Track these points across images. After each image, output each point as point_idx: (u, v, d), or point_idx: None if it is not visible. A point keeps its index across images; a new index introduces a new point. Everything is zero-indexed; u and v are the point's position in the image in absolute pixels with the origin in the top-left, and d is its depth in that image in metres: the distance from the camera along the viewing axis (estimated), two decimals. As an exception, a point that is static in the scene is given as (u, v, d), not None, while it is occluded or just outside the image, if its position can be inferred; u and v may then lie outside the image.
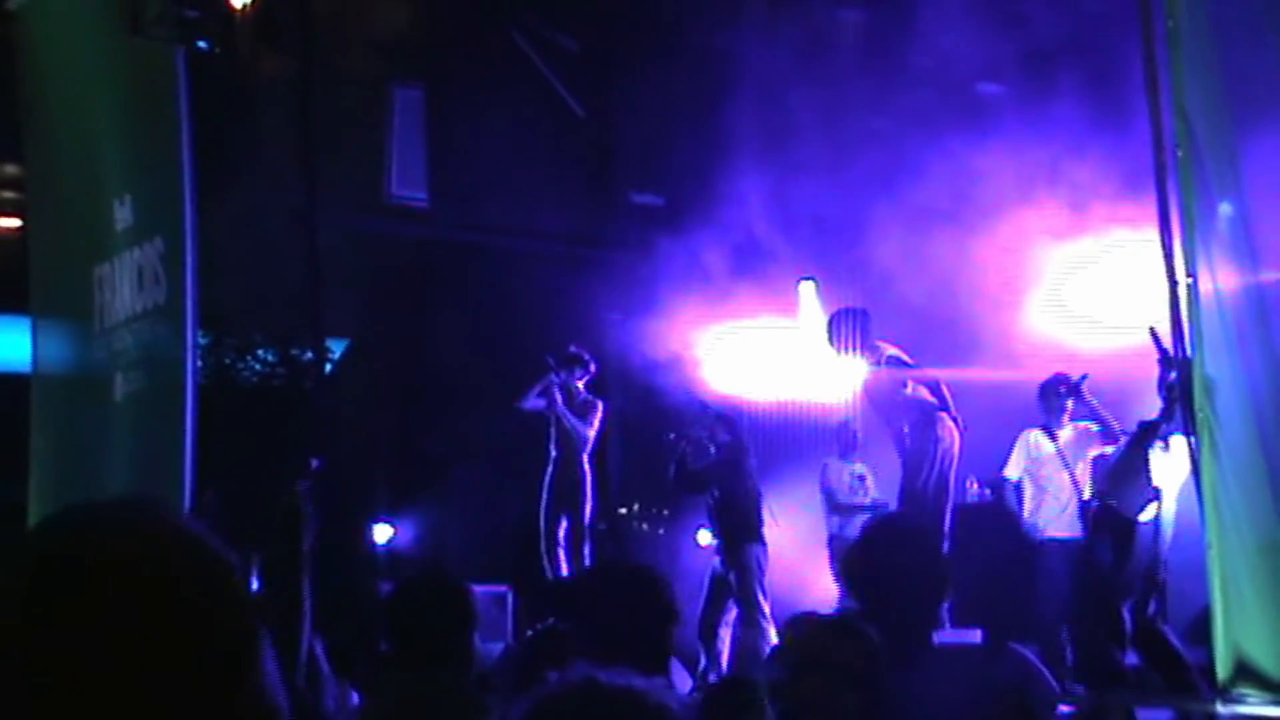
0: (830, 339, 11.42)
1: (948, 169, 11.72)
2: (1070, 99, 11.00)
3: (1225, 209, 7.43)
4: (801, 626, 4.03)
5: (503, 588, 13.32)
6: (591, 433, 12.64)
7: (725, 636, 11.68)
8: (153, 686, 1.39)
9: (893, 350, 11.05)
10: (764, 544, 11.85)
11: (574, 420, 12.57)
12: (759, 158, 14.15)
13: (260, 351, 15.72)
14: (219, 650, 1.44)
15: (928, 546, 4.05)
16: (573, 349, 12.88)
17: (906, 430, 10.90)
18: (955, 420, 10.87)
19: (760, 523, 11.91)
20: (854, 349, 11.08)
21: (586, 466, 12.63)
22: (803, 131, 13.68)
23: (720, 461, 12.05)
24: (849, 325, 11.25)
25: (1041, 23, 11.45)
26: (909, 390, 10.90)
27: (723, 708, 4.75)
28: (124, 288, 10.69)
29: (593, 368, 12.88)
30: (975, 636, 7.99)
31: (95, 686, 1.37)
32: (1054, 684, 4.18)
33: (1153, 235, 7.81)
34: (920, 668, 3.74)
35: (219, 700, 1.42)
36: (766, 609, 11.53)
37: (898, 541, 4.12)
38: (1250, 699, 7.11)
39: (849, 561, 4.28)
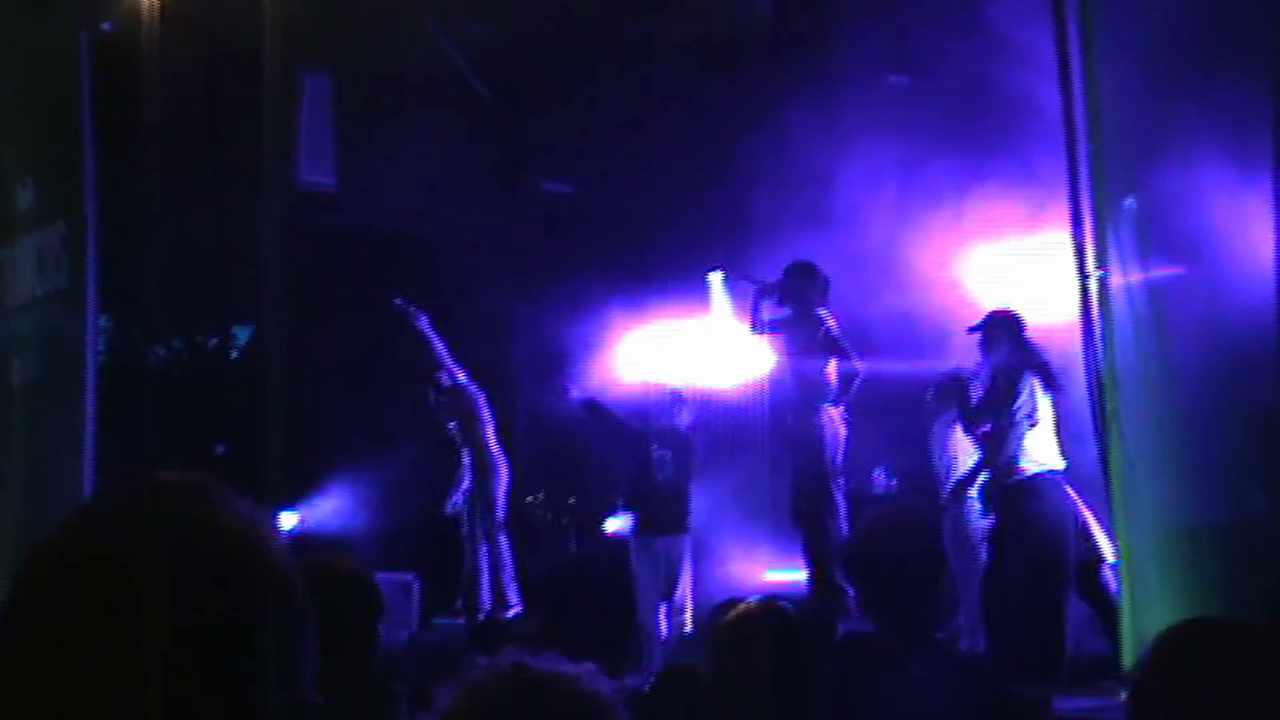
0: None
1: (867, 164, 11.76)
2: (984, 96, 11.07)
3: (1130, 203, 7.52)
4: (726, 611, 4.02)
5: (409, 575, 13.25)
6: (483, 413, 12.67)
7: (663, 625, 11.66)
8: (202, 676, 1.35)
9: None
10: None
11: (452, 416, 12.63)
12: (672, 148, 14.16)
13: (168, 337, 15.55)
14: (273, 638, 1.41)
15: (926, 540, 4.04)
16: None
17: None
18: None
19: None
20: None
21: (494, 449, 12.64)
22: (720, 125, 13.71)
23: (688, 447, 12.10)
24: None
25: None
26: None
27: (667, 696, 4.72)
28: (24, 271, 10.53)
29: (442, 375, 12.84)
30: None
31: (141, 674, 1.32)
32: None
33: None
34: (914, 662, 3.74)
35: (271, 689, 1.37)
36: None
37: (898, 534, 4.11)
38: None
39: (849, 554, 4.29)
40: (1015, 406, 9.30)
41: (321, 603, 4.06)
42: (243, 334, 16.00)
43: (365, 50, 15.25)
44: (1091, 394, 7.68)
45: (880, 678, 3.74)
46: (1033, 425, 9.29)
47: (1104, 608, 9.10)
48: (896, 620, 3.95)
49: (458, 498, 12.68)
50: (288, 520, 14.39)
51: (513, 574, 12.17)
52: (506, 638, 11.31)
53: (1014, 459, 9.31)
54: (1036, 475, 9.26)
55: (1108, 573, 9.16)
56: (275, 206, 12.98)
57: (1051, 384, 9.32)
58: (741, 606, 4.05)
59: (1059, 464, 9.32)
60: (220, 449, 14.80)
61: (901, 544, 4.05)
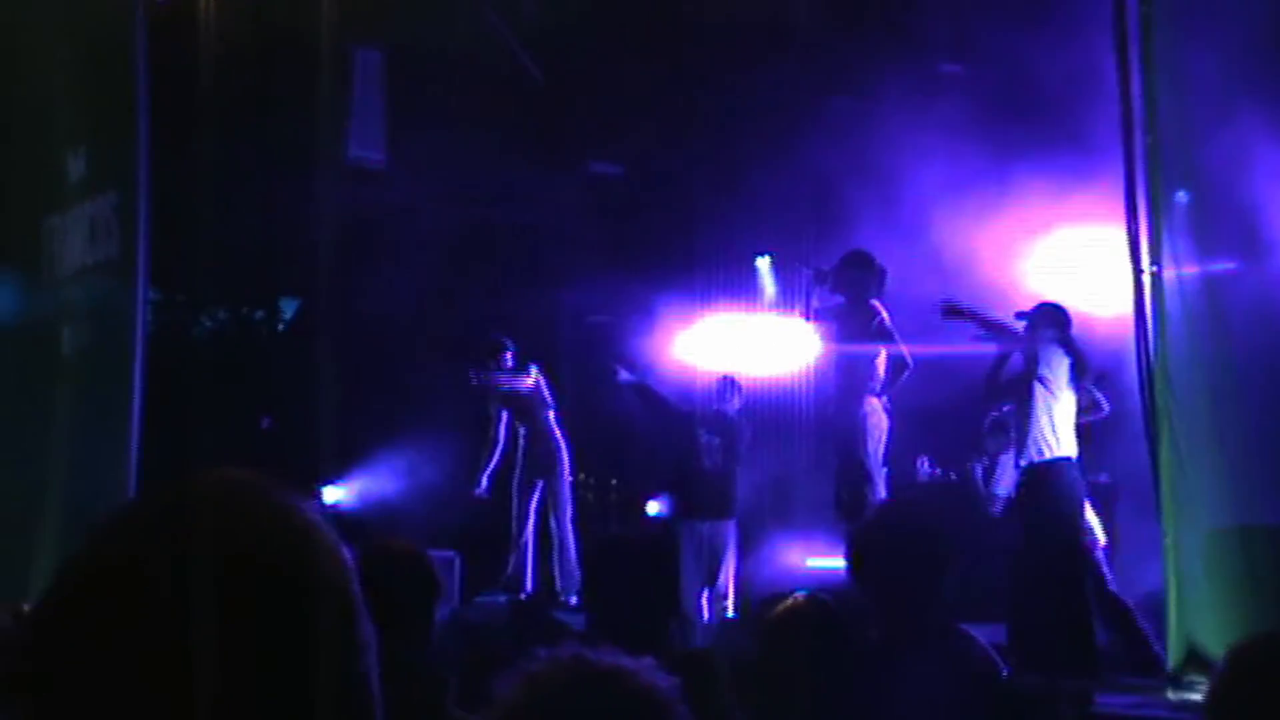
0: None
1: (912, 147, 11.69)
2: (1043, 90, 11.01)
3: (1182, 197, 7.46)
4: (772, 604, 4.00)
5: (451, 552, 13.25)
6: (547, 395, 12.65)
7: (705, 610, 11.66)
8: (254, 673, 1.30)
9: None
10: None
11: (521, 385, 12.57)
12: (722, 131, 14.12)
13: (214, 309, 15.59)
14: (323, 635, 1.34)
15: (930, 529, 4.00)
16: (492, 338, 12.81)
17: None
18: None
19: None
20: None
21: (558, 433, 12.62)
22: (772, 109, 13.66)
23: (736, 433, 12.09)
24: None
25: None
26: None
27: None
28: (75, 240, 10.57)
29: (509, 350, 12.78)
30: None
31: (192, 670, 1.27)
32: (1001, 668, 4.16)
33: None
34: (916, 652, 3.71)
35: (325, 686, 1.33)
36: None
37: (900, 524, 4.09)
38: (1200, 687, 7.14)
39: (852, 544, 4.25)
40: (1037, 391, 9.34)
41: (379, 583, 4.07)
42: (289, 307, 16.02)
43: (417, 28, 15.25)
44: (1142, 390, 7.62)
45: (879, 674, 3.72)
46: (1054, 411, 9.32)
47: (1101, 596, 9.15)
48: (894, 616, 3.92)
49: (484, 479, 12.68)
50: (332, 495, 14.44)
51: (576, 562, 12.11)
52: (546, 618, 11.33)
53: (1031, 442, 9.33)
54: (1053, 460, 9.26)
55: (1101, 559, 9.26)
56: (326, 182, 13.03)
57: (1081, 376, 9.34)
58: (788, 601, 4.03)
59: (1072, 454, 9.31)
60: (265, 422, 14.84)
61: (898, 540, 4.02)
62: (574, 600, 11.92)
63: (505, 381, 12.59)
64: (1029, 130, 11.22)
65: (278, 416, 14.70)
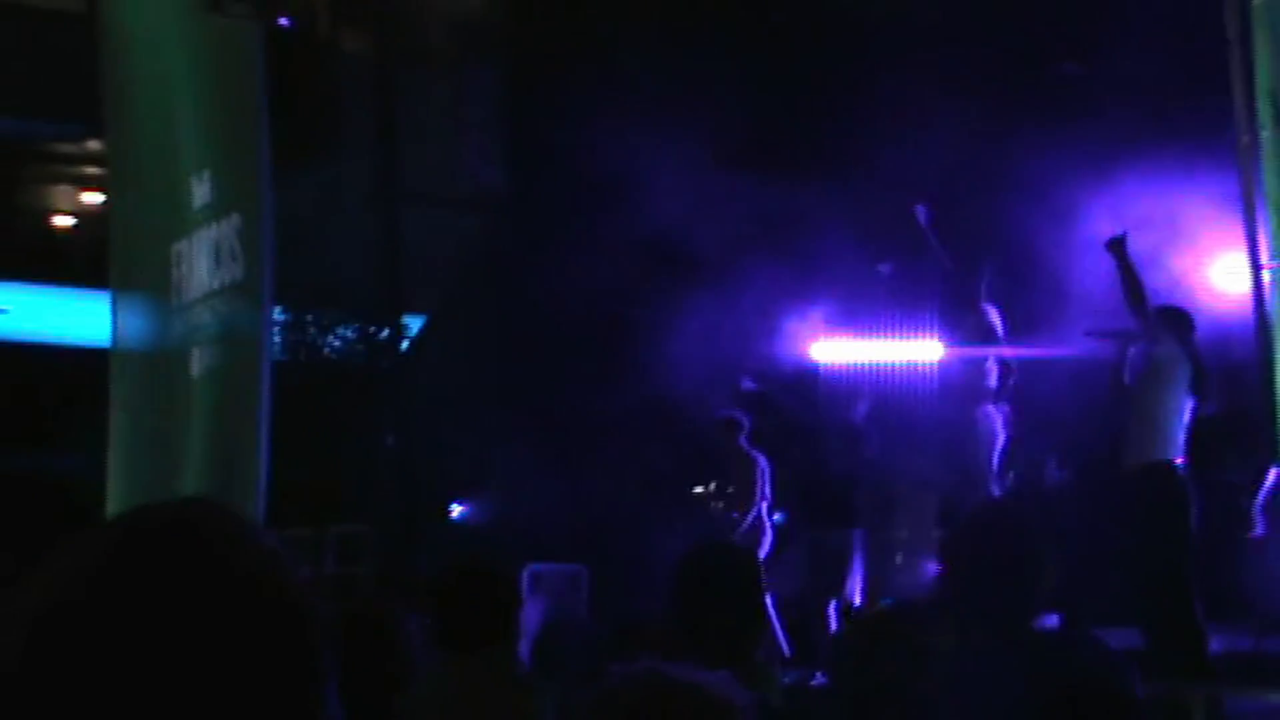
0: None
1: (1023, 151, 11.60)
2: (1152, 82, 10.86)
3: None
4: (866, 613, 3.99)
5: (578, 566, 13.32)
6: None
7: (833, 620, 11.51)
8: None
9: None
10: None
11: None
12: (837, 140, 14.05)
13: (340, 329, 15.78)
14: (286, 684, 1.34)
15: (1024, 533, 3.93)
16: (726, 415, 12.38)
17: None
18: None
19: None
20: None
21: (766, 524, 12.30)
22: (880, 115, 13.58)
23: (860, 441, 12.00)
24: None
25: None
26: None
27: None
28: (201, 264, 10.75)
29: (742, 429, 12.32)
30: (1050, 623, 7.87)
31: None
32: (1135, 676, 4.09)
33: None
34: (1007, 658, 3.66)
35: None
36: None
37: (991, 527, 4.04)
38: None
39: (943, 546, 4.23)
40: (1155, 395, 9.22)
41: (456, 602, 4.10)
42: (414, 323, 16.19)
43: (537, 46, 15.36)
44: (1264, 389, 7.50)
45: (952, 682, 3.67)
46: (1176, 417, 9.20)
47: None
48: (977, 621, 3.87)
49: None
50: (456, 512, 14.58)
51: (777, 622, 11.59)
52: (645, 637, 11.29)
53: (1144, 444, 9.21)
54: (1163, 462, 9.13)
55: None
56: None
57: (1201, 386, 9.20)
58: (864, 616, 4.03)
59: (1179, 458, 9.18)
60: (389, 440, 14.99)
61: (984, 542, 3.96)
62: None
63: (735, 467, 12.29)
64: (1142, 126, 11.07)
65: (400, 435, 14.83)
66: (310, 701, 1.35)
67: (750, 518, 11.98)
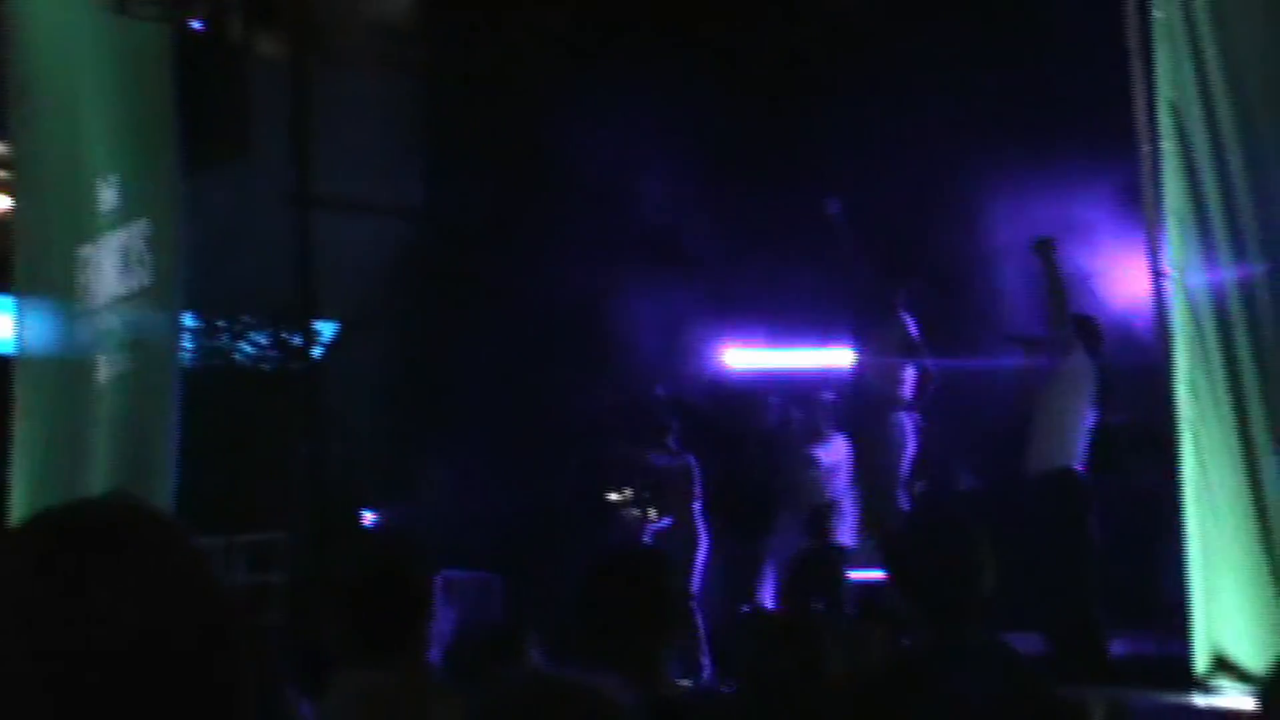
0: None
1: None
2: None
3: (1214, 201, 7.41)
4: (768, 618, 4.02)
5: (491, 574, 13.29)
6: None
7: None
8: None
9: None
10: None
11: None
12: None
13: (253, 334, 15.67)
14: (211, 683, 1.35)
15: (969, 536, 3.97)
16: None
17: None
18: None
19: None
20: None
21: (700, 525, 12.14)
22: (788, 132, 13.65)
23: (774, 449, 12.03)
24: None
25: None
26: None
27: None
28: (109, 269, 10.65)
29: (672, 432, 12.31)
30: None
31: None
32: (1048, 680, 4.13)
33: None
34: (960, 661, 3.69)
35: None
36: None
37: (937, 530, 4.07)
38: (1226, 690, 7.13)
39: (889, 550, 4.26)
40: (1066, 406, 9.33)
41: (372, 605, 4.08)
42: (329, 330, 16.10)
43: (453, 52, 15.32)
44: (1165, 397, 7.60)
45: (919, 681, 3.70)
46: (1080, 426, 9.32)
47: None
48: (935, 623, 3.91)
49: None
50: (366, 520, 14.50)
51: (704, 641, 11.50)
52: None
53: (1057, 453, 9.32)
54: (1065, 468, 9.25)
55: None
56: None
57: (1106, 398, 9.34)
58: (762, 615, 4.06)
59: (1080, 465, 9.29)
60: (302, 447, 14.89)
61: (935, 545, 4.00)
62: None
63: (662, 464, 12.17)
64: (1046, 135, 11.21)
65: (316, 440, 14.74)
66: (237, 702, 1.36)
67: (670, 520, 11.99)
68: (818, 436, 11.56)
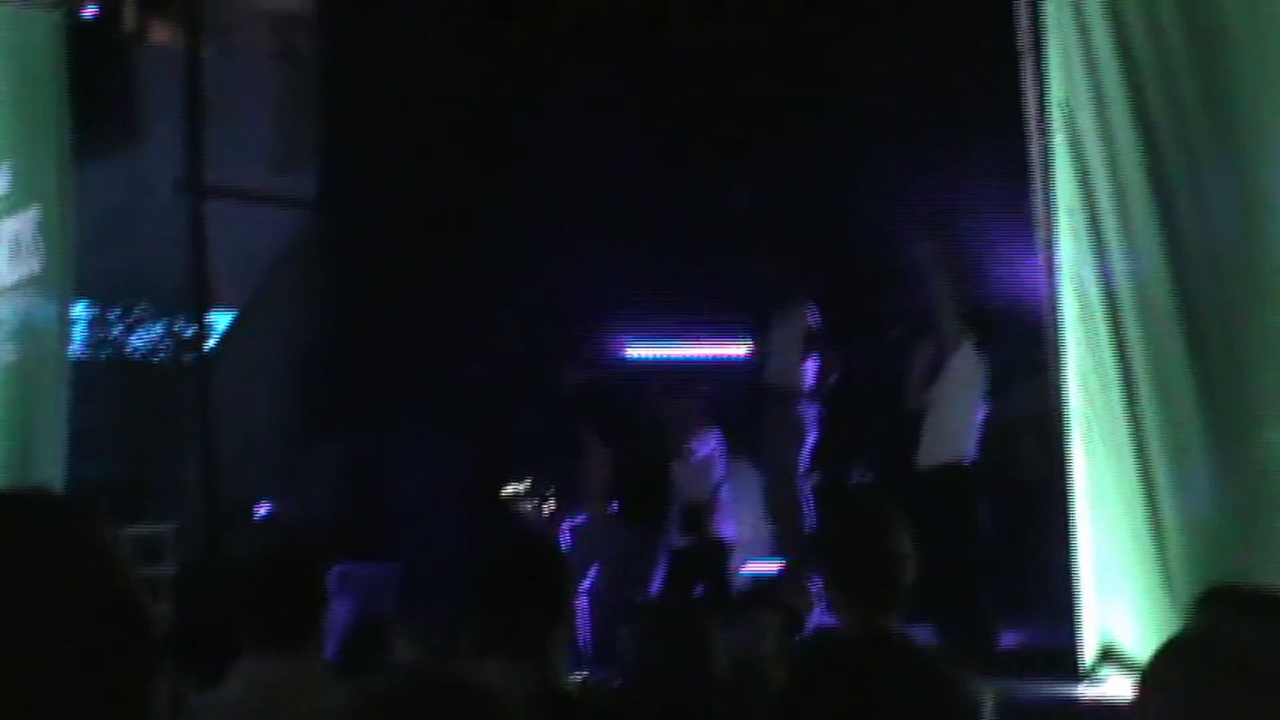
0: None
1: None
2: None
3: (1105, 199, 7.48)
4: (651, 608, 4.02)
5: (388, 566, 13.21)
6: None
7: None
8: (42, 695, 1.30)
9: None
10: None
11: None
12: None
13: (145, 324, 15.51)
14: (118, 670, 1.34)
15: (892, 528, 3.99)
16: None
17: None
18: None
19: None
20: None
21: None
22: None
23: (664, 437, 11.99)
24: None
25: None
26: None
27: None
28: (-3, 257, 10.51)
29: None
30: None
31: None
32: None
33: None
34: (882, 651, 3.71)
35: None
36: None
37: (862, 520, 4.09)
38: (1113, 681, 7.23)
39: (816, 543, 4.27)
40: (956, 399, 9.42)
41: (268, 597, 4.05)
42: (223, 320, 15.97)
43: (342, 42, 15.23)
44: (1053, 389, 7.69)
45: (839, 672, 3.72)
46: (970, 419, 9.42)
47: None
48: (853, 613, 3.93)
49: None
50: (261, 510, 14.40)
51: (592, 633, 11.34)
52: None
53: (946, 446, 9.41)
54: (955, 461, 9.35)
55: None
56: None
57: (995, 391, 9.44)
58: (644, 606, 4.08)
59: (970, 459, 9.39)
60: (193, 438, 14.75)
61: (856, 538, 4.03)
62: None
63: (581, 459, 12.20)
64: (945, 132, 11.30)
65: (208, 431, 14.62)
66: (143, 693, 1.33)
67: (586, 517, 12.00)
68: (693, 429, 11.58)
